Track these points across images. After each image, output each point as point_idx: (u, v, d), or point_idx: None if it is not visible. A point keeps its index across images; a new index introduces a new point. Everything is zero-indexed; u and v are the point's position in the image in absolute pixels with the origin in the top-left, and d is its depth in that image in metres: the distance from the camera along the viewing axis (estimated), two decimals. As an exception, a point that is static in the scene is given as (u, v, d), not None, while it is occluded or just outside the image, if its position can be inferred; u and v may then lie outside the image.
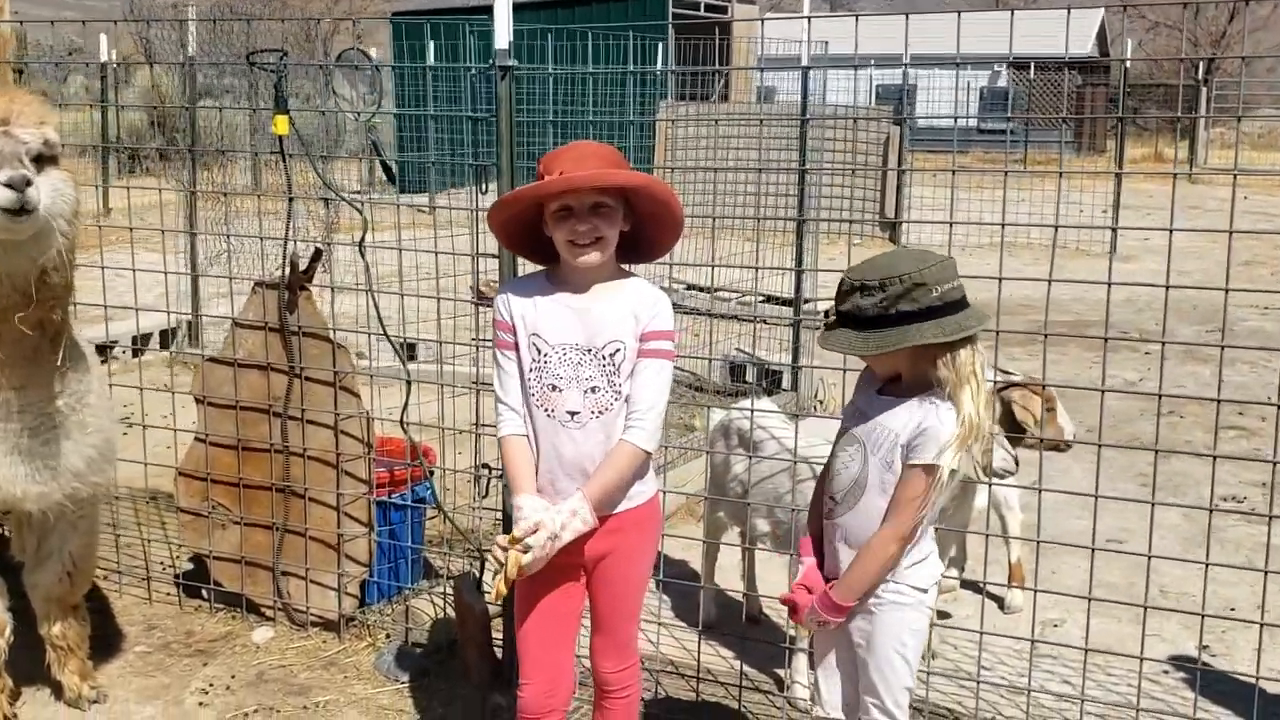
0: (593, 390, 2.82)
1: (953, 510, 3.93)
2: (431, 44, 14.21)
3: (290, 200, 4.42)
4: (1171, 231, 3.26)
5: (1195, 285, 3.41)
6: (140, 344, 8.00)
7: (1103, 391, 3.38)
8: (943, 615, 4.51)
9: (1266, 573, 3.34)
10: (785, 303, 8.46)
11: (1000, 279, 3.35)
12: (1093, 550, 3.44)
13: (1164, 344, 3.43)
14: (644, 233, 2.94)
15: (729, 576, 4.74)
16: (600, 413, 2.83)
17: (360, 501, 4.38)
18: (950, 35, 3.35)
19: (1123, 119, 15.24)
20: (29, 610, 3.84)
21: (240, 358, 4.44)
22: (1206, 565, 3.37)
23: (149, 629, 4.49)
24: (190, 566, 4.81)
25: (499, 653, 4.01)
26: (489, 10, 3.75)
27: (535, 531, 2.75)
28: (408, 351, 6.75)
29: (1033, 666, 3.71)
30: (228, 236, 7.31)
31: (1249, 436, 7.15)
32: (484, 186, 4.11)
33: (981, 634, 3.67)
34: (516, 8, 3.75)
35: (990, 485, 3.95)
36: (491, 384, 2.99)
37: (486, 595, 4.05)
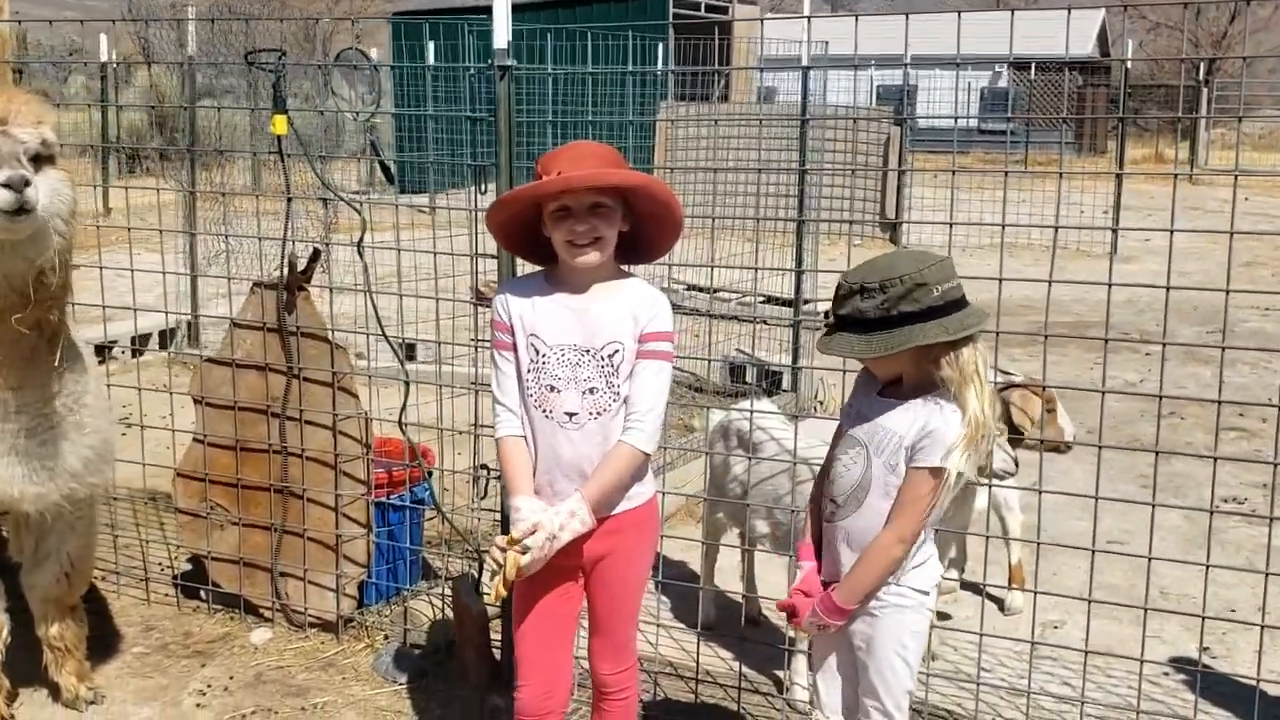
0: (591, 391, 2.81)
1: (953, 512, 3.92)
2: (431, 44, 14.20)
3: (289, 200, 4.41)
4: (1172, 232, 3.25)
5: (1196, 286, 3.40)
6: (139, 344, 8.00)
7: (1103, 393, 3.37)
8: (943, 616, 4.50)
9: (1267, 574, 3.33)
10: (785, 303, 8.46)
11: (1000, 280, 3.34)
12: (1093, 552, 3.43)
13: (1165, 345, 3.43)
14: (643, 233, 2.92)
15: (728, 578, 4.73)
16: (598, 414, 2.82)
17: (359, 502, 4.37)
18: (951, 35, 3.34)
19: (1123, 119, 15.24)
20: (26, 611, 3.84)
21: (238, 358, 4.43)
22: (1207, 567, 3.36)
23: (147, 630, 4.48)
24: (188, 567, 4.80)
25: (497, 654, 4.00)
26: (489, 10, 3.74)
27: (533, 533, 2.74)
28: (407, 352, 6.76)
29: (1033, 668, 3.70)
30: (226, 237, 7.30)
31: (1250, 438, 7.14)
32: (483, 187, 4.10)
33: (981, 635, 3.66)
34: (516, 8, 3.74)
35: (990, 487, 3.94)
36: (490, 385, 2.98)
37: (485, 596, 4.04)
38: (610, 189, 2.79)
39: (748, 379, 7.63)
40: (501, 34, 3.68)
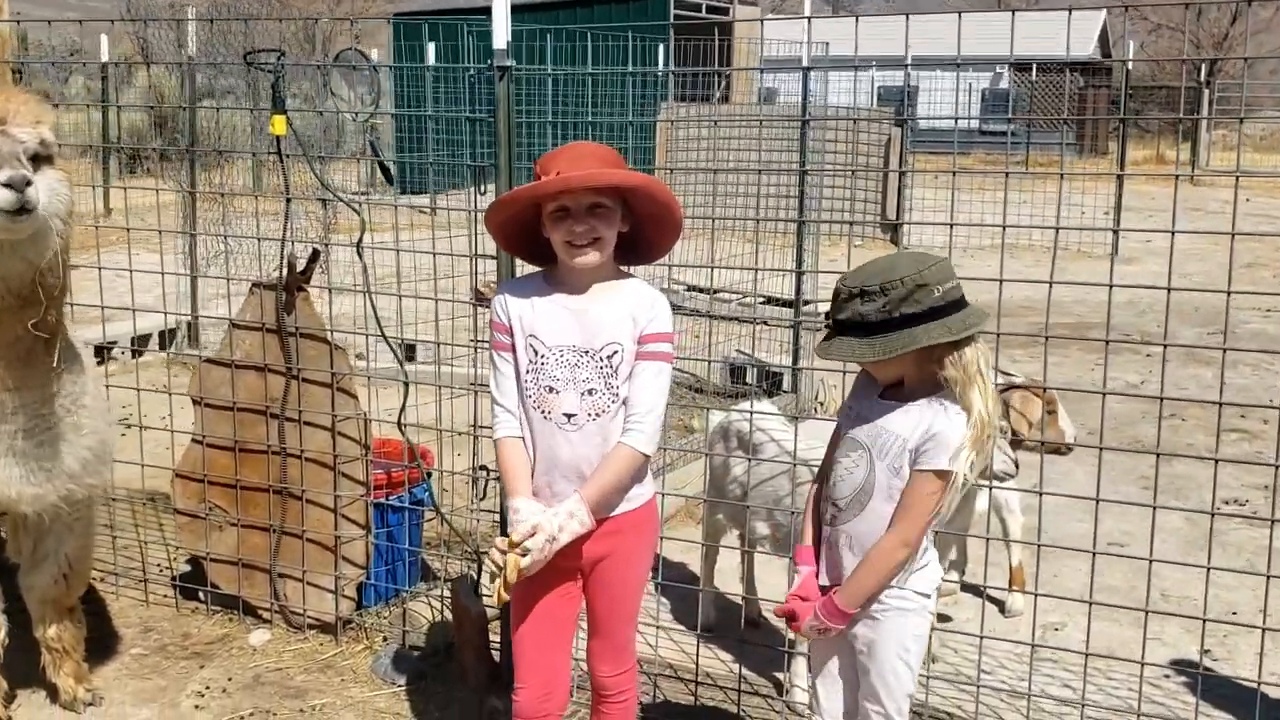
0: (589, 392, 2.80)
1: (953, 513, 3.91)
2: (432, 45, 14.20)
3: (287, 201, 4.40)
4: (1173, 233, 3.25)
5: (1197, 288, 3.39)
6: (139, 345, 7.99)
7: (1104, 394, 3.36)
8: (943, 619, 4.49)
9: (1269, 577, 3.32)
10: (786, 304, 8.45)
11: (1001, 280, 3.33)
12: (1093, 554, 3.42)
13: (1165, 346, 3.42)
14: (643, 234, 2.92)
15: (728, 579, 4.71)
16: (596, 415, 2.81)
17: (358, 503, 4.36)
18: (952, 36, 3.34)
19: (1125, 121, 15.22)
20: (24, 612, 3.83)
21: (237, 359, 4.42)
22: (1208, 569, 3.35)
23: (145, 631, 4.47)
24: (187, 568, 4.79)
25: (496, 656, 3.99)
26: (490, 11, 3.73)
27: (533, 535, 2.73)
28: (407, 353, 6.75)
29: (1033, 670, 3.69)
30: (225, 237, 7.30)
31: (1251, 439, 7.13)
32: (483, 187, 4.09)
33: (982, 638, 3.65)
34: (517, 9, 3.73)
35: (991, 488, 3.93)
36: (489, 385, 2.97)
37: (485, 599, 4.04)
38: (609, 189, 2.78)
39: (748, 380, 7.62)
40: (501, 34, 3.67)
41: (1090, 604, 3.43)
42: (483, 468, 4.19)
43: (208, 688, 4.04)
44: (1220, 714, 3.90)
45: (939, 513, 2.64)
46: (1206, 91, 25.21)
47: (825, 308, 2.75)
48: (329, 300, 4.45)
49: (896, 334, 2.55)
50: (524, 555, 2.72)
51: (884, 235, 13.12)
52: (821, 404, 7.24)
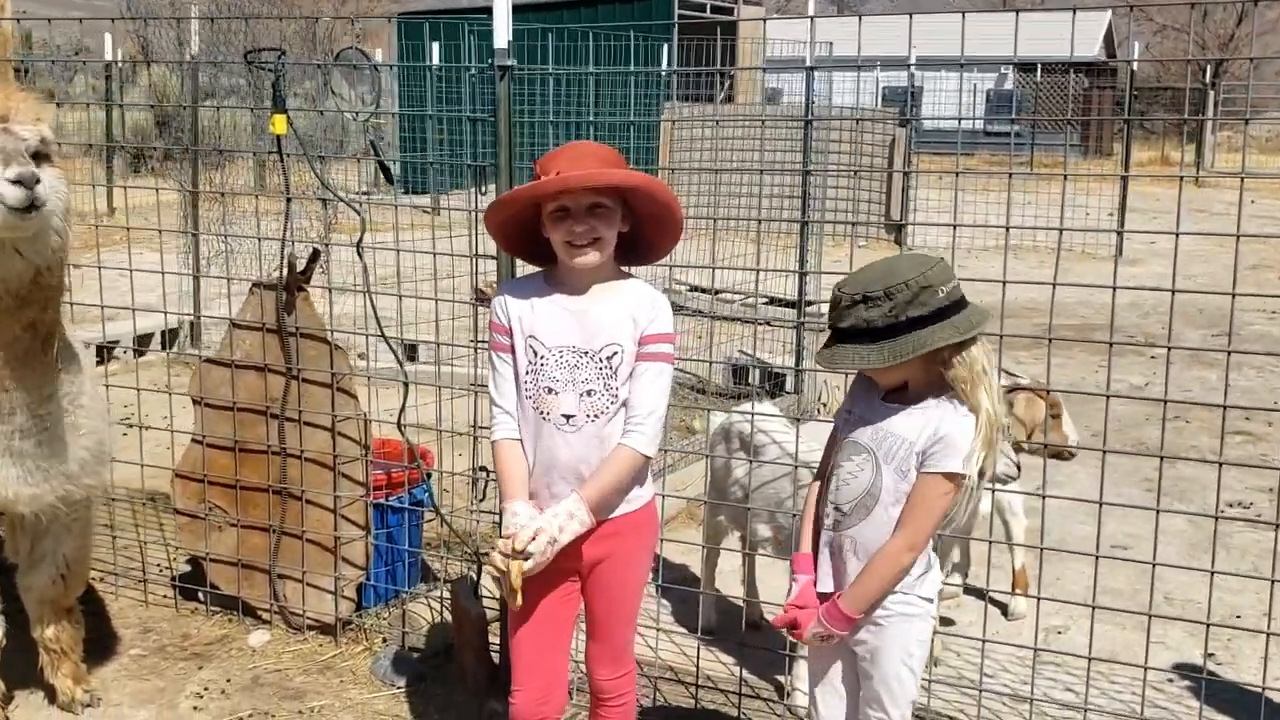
0: (589, 394, 2.79)
1: (957, 516, 3.89)
2: (436, 45, 14.19)
3: (288, 201, 4.39)
4: (1178, 235, 3.23)
5: (1202, 289, 3.37)
6: (141, 344, 7.98)
7: (1107, 397, 3.34)
8: (946, 622, 4.47)
9: (1274, 581, 3.30)
10: (788, 305, 8.43)
11: (1004, 282, 3.31)
12: (1097, 557, 3.39)
13: (1170, 348, 3.40)
14: (643, 234, 2.90)
15: (729, 581, 4.70)
16: (595, 416, 2.79)
17: (357, 504, 4.35)
18: (956, 37, 3.32)
19: (1129, 122, 15.18)
20: (23, 613, 3.81)
21: (238, 359, 4.41)
22: (1212, 572, 3.33)
23: (144, 632, 4.46)
24: (187, 569, 4.78)
25: (496, 658, 3.97)
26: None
27: (534, 539, 2.72)
28: (409, 353, 6.73)
29: (1036, 674, 3.67)
30: (225, 237, 7.29)
31: (1255, 442, 7.10)
32: (483, 187, 4.08)
33: (984, 641, 3.63)
34: (522, 9, 3.73)
35: (994, 491, 3.91)
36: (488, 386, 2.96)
37: (486, 600, 4.02)
38: (609, 189, 2.76)
39: (750, 381, 7.60)
40: (502, 34, 3.66)
41: (1093, 607, 3.41)
42: (483, 468, 4.18)
43: (206, 689, 4.03)
44: (1224, 719, 3.87)
45: (949, 516, 2.61)
46: (1212, 93, 25.16)
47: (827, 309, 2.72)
48: (329, 300, 4.44)
49: (904, 338, 2.52)
50: (526, 559, 2.71)
51: (888, 236, 13.10)
52: (824, 405, 7.22)
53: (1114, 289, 3.34)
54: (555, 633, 2.93)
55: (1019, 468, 3.89)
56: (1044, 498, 3.71)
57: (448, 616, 4.20)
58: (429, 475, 4.57)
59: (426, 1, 26.37)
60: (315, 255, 4.38)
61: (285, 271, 4.30)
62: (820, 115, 8.58)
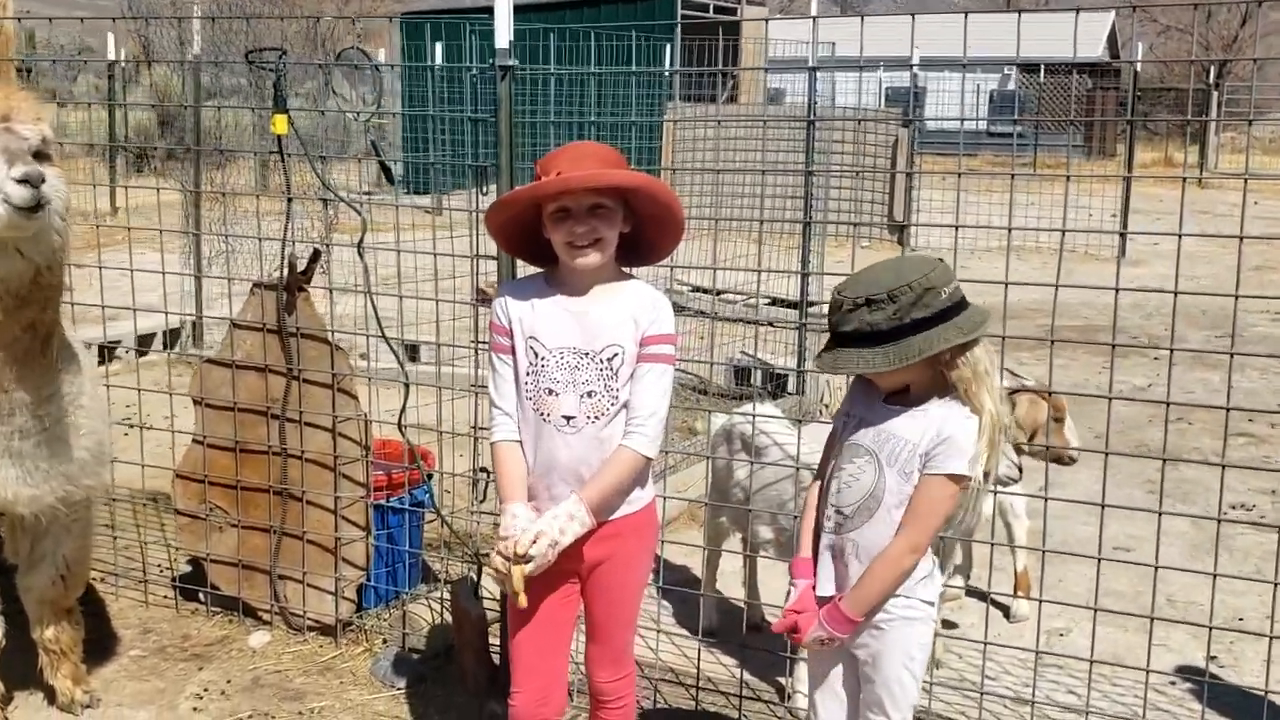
0: (589, 395, 2.78)
1: (959, 518, 3.88)
2: (439, 45, 14.19)
3: (289, 201, 4.38)
4: (1181, 236, 3.21)
5: (1205, 291, 3.37)
6: (142, 344, 7.97)
7: (1110, 398, 3.33)
8: (948, 624, 4.46)
9: (1276, 584, 3.28)
10: (791, 305, 8.41)
11: (1007, 283, 3.30)
12: (1099, 559, 3.38)
13: (1173, 350, 3.38)
14: (644, 235, 2.89)
15: (730, 583, 4.69)
16: (596, 417, 2.78)
17: (358, 505, 4.34)
18: (959, 37, 3.31)
19: (1133, 123, 15.16)
20: (22, 613, 3.81)
21: (238, 359, 4.40)
22: (1215, 575, 3.32)
23: (144, 632, 4.45)
24: (187, 569, 4.77)
25: (496, 659, 3.96)
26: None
27: (535, 542, 2.71)
28: (410, 353, 6.72)
29: (1038, 676, 3.66)
30: (226, 237, 7.28)
31: (1258, 444, 7.09)
32: (484, 188, 4.07)
33: (986, 643, 3.62)
34: (524, 9, 3.72)
35: (996, 493, 3.90)
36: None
37: (486, 601, 4.01)
38: (610, 190, 2.75)
39: (752, 382, 7.59)
40: (503, 34, 3.65)
41: (1095, 610, 3.40)
42: (483, 469, 4.17)
43: (206, 690, 4.02)
44: (1226, 722, 3.86)
45: (951, 517, 2.60)
46: (1215, 94, 25.14)
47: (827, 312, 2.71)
48: (330, 300, 4.43)
49: (909, 340, 2.51)
50: (528, 562, 2.70)
51: (891, 236, 13.08)
52: (826, 406, 7.21)
53: (1117, 290, 3.32)
54: (555, 634, 2.92)
55: (1020, 469, 3.87)
56: (1046, 499, 3.69)
57: (448, 618, 4.19)
58: (429, 476, 4.56)
59: (429, 1, 26.37)
60: (316, 255, 4.37)
61: (286, 272, 4.29)
62: (823, 116, 8.58)
